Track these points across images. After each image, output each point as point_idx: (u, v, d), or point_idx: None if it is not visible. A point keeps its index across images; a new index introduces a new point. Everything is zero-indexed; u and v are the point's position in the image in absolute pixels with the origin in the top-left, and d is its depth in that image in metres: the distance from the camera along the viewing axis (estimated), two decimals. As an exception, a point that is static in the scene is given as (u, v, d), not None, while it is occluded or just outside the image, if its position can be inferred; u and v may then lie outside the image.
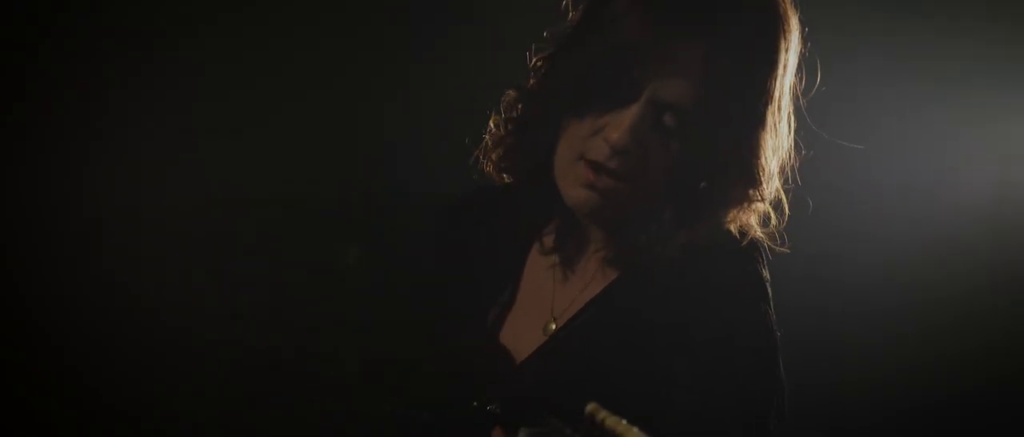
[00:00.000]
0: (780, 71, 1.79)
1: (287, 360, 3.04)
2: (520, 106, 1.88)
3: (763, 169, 1.79)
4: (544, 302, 1.91)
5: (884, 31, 3.04)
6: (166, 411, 3.03)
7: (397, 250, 2.92)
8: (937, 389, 3.07)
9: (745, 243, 1.80)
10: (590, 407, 1.25)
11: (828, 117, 3.07)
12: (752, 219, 1.83)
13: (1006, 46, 3.05)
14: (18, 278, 2.99)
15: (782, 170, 1.84)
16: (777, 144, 1.80)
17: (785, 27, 1.79)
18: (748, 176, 1.79)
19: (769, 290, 1.79)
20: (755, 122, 1.78)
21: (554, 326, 1.87)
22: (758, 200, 1.81)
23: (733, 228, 1.81)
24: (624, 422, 1.23)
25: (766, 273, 1.80)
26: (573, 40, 1.83)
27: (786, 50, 1.79)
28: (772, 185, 1.82)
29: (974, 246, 3.09)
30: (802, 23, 1.81)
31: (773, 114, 1.79)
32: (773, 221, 1.84)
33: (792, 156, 1.84)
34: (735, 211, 1.80)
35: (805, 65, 1.84)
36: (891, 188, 3.08)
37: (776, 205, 1.84)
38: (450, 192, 2.03)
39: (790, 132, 1.84)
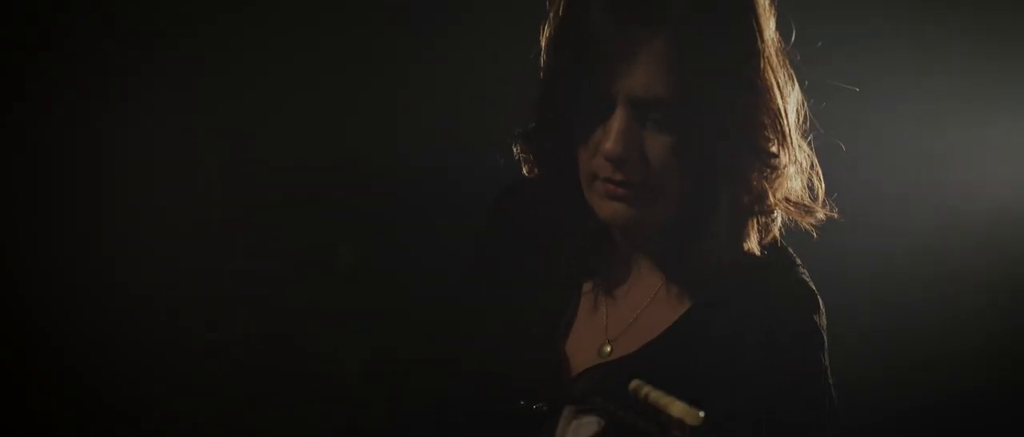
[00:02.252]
0: (756, 33, 1.74)
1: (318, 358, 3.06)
2: (529, 149, 1.88)
3: (774, 134, 1.75)
4: (599, 321, 1.90)
5: (882, 31, 3.05)
6: (166, 412, 3.03)
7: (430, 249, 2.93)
8: (935, 390, 3.07)
9: (801, 299, 1.77)
10: (633, 384, 1.27)
11: (825, 117, 3.08)
12: (791, 193, 1.79)
13: (1007, 44, 3.06)
14: (17, 278, 3.00)
15: (805, 131, 1.81)
16: (783, 106, 1.76)
17: None
18: (759, 147, 1.75)
19: (825, 340, 1.77)
20: (747, 92, 1.74)
21: (609, 349, 1.86)
22: (784, 166, 1.77)
23: (775, 201, 1.77)
24: (668, 396, 1.24)
25: (823, 322, 1.78)
26: (547, 64, 1.82)
27: (756, 10, 1.75)
28: (798, 148, 1.78)
29: (973, 245, 3.09)
30: None
31: (765, 78, 1.75)
32: (819, 189, 1.81)
33: (806, 113, 1.81)
34: (767, 184, 1.76)
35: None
36: (890, 187, 3.09)
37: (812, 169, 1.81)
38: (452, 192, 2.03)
39: (793, 90, 1.80)
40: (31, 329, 2.99)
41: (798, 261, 1.84)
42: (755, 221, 1.78)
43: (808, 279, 1.82)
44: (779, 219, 1.80)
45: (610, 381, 1.81)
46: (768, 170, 1.77)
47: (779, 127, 1.76)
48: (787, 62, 1.80)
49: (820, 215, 1.83)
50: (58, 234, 3.01)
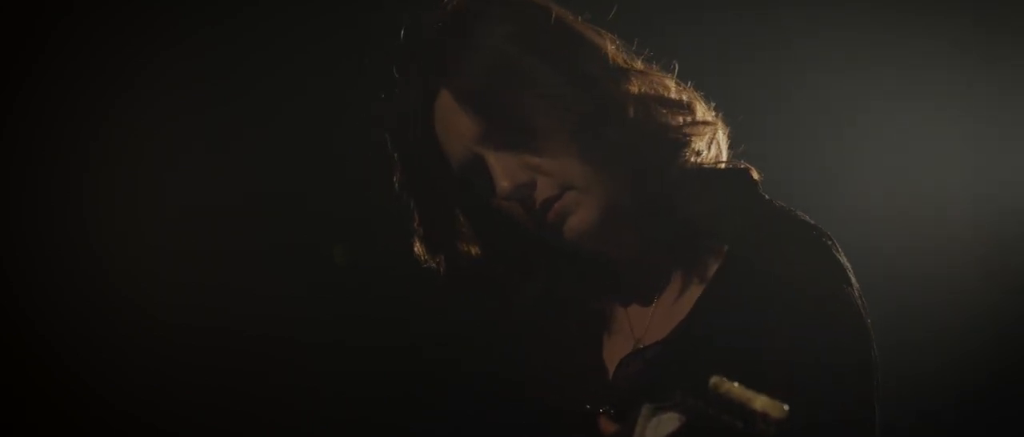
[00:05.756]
0: (527, 31, 1.78)
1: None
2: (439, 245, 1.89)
3: (617, 94, 1.77)
4: (623, 329, 1.92)
5: (881, 30, 3.05)
6: (163, 411, 3.03)
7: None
8: (930, 391, 3.07)
9: (810, 236, 1.79)
10: (714, 379, 1.26)
11: (822, 116, 3.08)
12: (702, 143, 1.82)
13: (1006, 46, 3.07)
14: (14, 279, 3.00)
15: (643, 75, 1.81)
16: (602, 68, 1.78)
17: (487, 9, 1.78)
18: (617, 110, 1.76)
19: (850, 273, 1.78)
20: (558, 73, 1.76)
21: (642, 345, 1.87)
22: (667, 119, 1.79)
23: (690, 156, 1.80)
24: (751, 390, 1.24)
25: (842, 257, 1.79)
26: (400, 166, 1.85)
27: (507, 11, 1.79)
28: (637, 74, 1.80)
29: (970, 245, 3.09)
30: None
31: (570, 57, 1.77)
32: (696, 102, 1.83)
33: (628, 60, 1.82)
34: (664, 137, 1.79)
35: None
36: (887, 187, 3.09)
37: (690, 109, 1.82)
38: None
39: (603, 39, 1.81)
40: (27, 332, 2.99)
41: (794, 210, 1.86)
42: (675, 153, 1.80)
43: (811, 220, 1.84)
44: (695, 143, 1.82)
45: (651, 367, 1.83)
46: (652, 127, 1.79)
47: (612, 91, 1.78)
48: (574, 22, 1.82)
49: (703, 119, 1.84)
50: (56, 237, 3.01)
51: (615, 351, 1.90)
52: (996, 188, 3.11)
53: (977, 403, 3.09)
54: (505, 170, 1.76)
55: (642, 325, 1.89)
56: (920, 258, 3.06)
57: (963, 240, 3.10)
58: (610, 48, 1.81)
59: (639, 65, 1.83)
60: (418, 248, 1.89)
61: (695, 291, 1.83)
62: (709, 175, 1.84)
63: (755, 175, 1.88)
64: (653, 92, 1.81)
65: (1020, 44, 3.07)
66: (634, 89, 1.79)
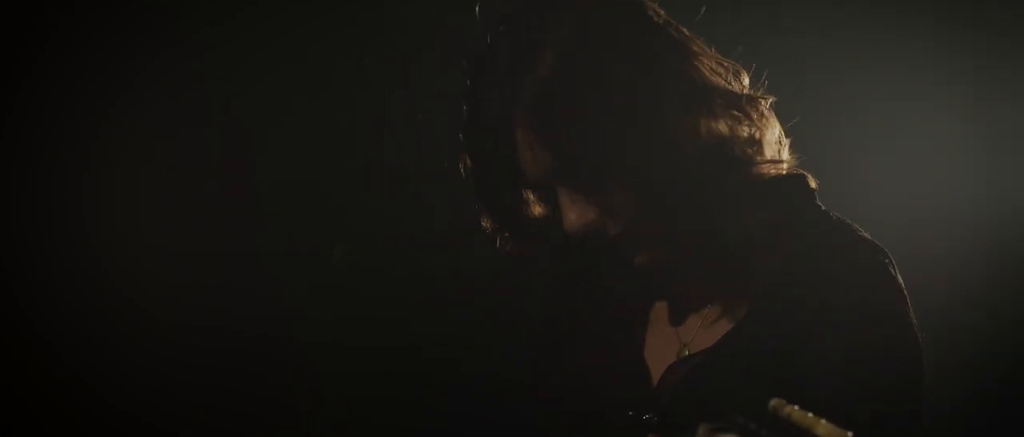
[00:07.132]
0: (590, 56, 1.70)
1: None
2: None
3: (683, 121, 1.70)
4: (668, 332, 1.89)
5: (881, 30, 3.05)
6: (165, 413, 3.03)
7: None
8: (930, 393, 3.07)
9: (868, 254, 1.76)
10: (774, 402, 1.21)
11: (822, 116, 3.08)
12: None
13: (1007, 46, 3.06)
14: (14, 279, 2.99)
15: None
16: (684, 97, 1.70)
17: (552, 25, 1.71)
18: (673, 143, 1.69)
19: (904, 289, 1.76)
20: (624, 103, 1.69)
21: (688, 352, 1.85)
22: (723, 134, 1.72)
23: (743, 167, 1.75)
24: (811, 415, 1.19)
25: (898, 276, 1.77)
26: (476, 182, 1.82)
27: (574, 28, 1.71)
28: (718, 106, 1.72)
29: (970, 245, 3.09)
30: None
31: (636, 81, 1.70)
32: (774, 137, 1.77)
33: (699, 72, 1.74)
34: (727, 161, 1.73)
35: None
36: (886, 187, 3.09)
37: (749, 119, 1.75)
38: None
39: (684, 58, 1.73)
40: (28, 332, 2.99)
41: (854, 223, 1.82)
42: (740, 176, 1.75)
43: (869, 235, 1.80)
44: (762, 162, 1.76)
45: (697, 374, 1.80)
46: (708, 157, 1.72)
47: (679, 118, 1.70)
48: (649, 44, 1.73)
49: (779, 139, 1.79)
50: (52, 234, 3.00)
51: (659, 355, 1.87)
52: (996, 188, 3.11)
53: (978, 405, 3.08)
54: (573, 205, 1.73)
55: (690, 331, 1.86)
56: (920, 258, 3.04)
57: (963, 240, 3.10)
58: (696, 72, 1.72)
59: (721, 81, 1.74)
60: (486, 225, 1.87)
61: (748, 301, 1.80)
62: (768, 184, 1.77)
63: (812, 183, 1.83)
64: (733, 115, 1.73)
65: (1021, 43, 3.07)
66: (715, 117, 1.71)
